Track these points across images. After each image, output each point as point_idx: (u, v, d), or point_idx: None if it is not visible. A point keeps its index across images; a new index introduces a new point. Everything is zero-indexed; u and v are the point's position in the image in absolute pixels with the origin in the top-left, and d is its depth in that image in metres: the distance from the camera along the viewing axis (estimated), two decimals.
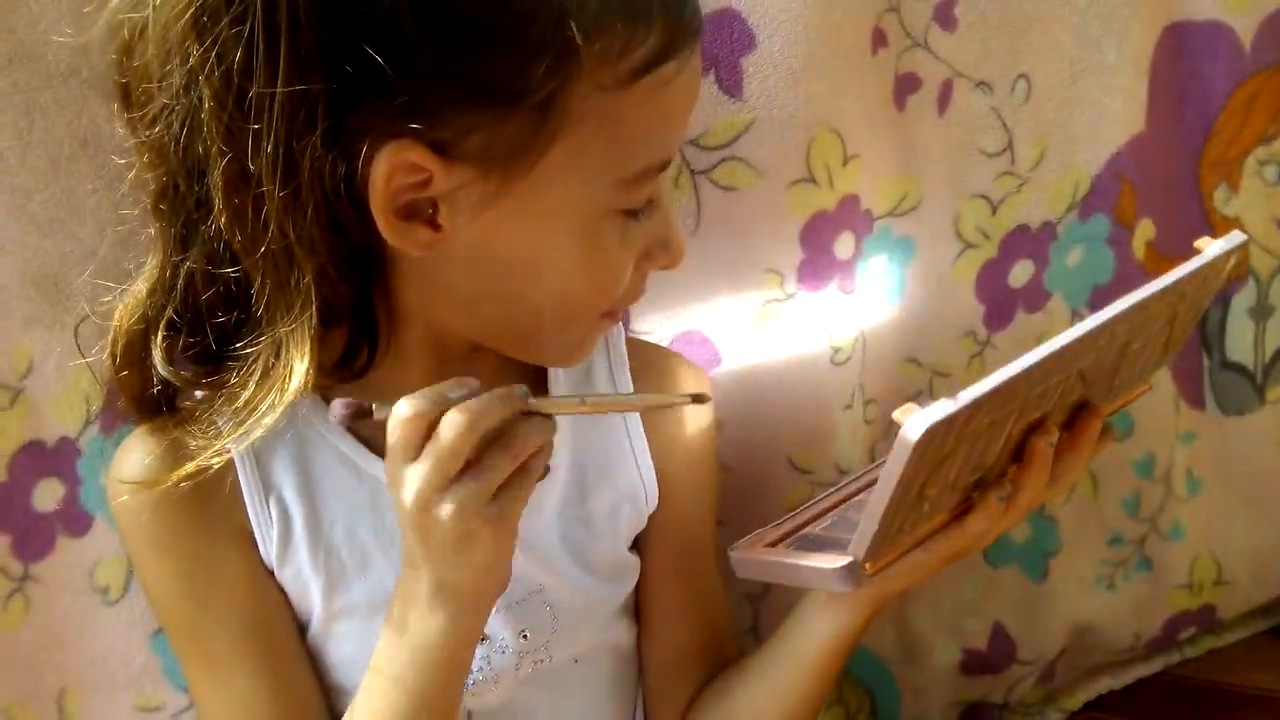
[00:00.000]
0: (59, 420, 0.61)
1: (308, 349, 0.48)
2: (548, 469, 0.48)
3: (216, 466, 0.51)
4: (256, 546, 0.56)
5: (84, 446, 0.62)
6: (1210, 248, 0.56)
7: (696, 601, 0.65)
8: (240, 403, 0.49)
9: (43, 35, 0.56)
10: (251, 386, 0.49)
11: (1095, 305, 0.80)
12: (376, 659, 0.52)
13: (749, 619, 0.78)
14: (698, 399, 0.54)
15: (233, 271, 0.49)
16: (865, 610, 0.58)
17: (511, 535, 0.48)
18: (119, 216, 0.56)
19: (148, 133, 0.48)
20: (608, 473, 0.61)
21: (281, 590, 0.57)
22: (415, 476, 0.45)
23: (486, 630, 0.56)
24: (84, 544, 0.63)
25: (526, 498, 0.47)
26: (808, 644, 0.59)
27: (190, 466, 0.51)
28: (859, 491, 0.64)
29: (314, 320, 0.48)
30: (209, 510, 0.54)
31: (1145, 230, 0.80)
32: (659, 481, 0.62)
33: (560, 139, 0.47)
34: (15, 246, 0.58)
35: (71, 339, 0.58)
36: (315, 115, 0.44)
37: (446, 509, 0.45)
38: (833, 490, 0.65)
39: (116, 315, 0.53)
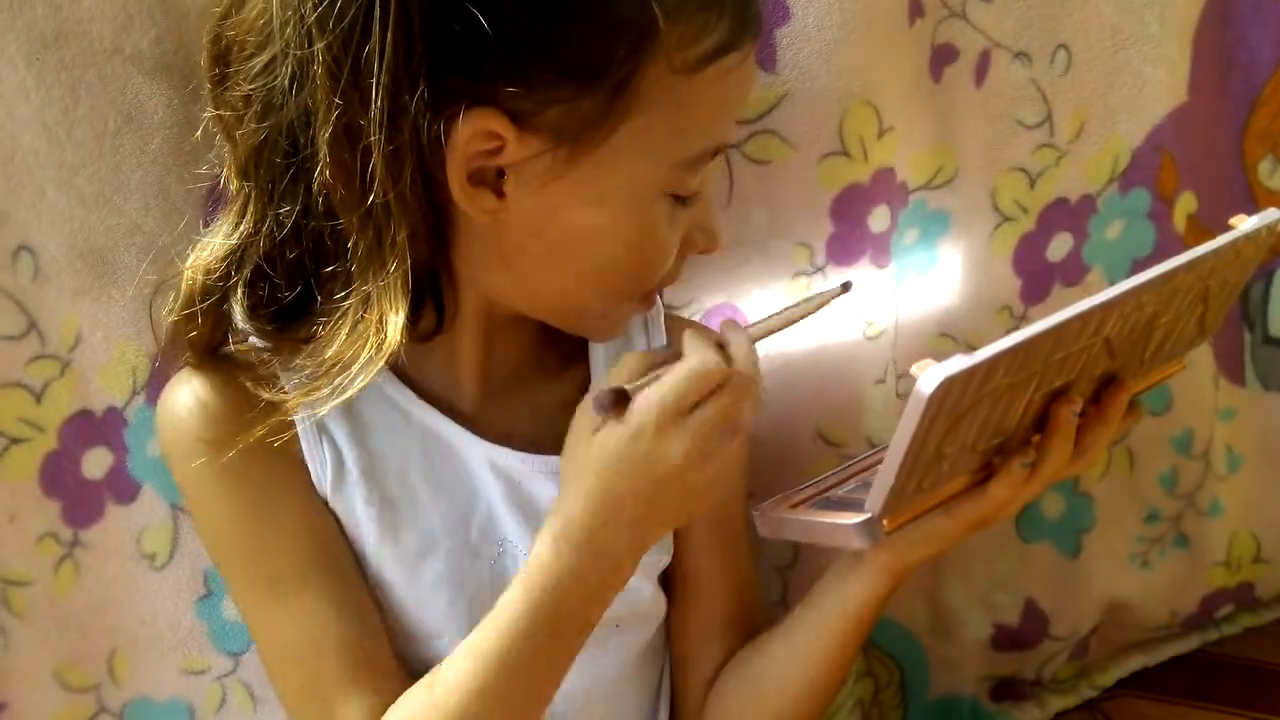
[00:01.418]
0: (107, 391, 0.63)
1: (401, 304, 0.49)
2: None
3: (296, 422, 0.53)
4: (312, 479, 0.57)
5: (131, 417, 0.63)
6: (1244, 224, 0.55)
7: (726, 573, 0.66)
8: (328, 355, 0.50)
9: (86, 13, 0.57)
10: (339, 341, 0.50)
11: None
12: (526, 582, 0.51)
13: (778, 590, 0.79)
14: (845, 287, 0.56)
15: (329, 226, 0.50)
16: (888, 578, 0.58)
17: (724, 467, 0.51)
18: (162, 190, 0.57)
19: (250, 87, 0.49)
20: None
21: (337, 522, 0.57)
22: (686, 433, 0.47)
23: None
24: (131, 511, 0.65)
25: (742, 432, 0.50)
26: (831, 612, 0.59)
27: (273, 419, 0.52)
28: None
29: (408, 277, 0.49)
30: (264, 443, 0.54)
31: (1187, 203, 0.79)
32: None
33: (630, 119, 0.48)
34: (63, 220, 0.59)
35: (118, 311, 0.60)
36: (418, 75, 0.46)
37: (710, 468, 0.48)
38: (857, 460, 0.65)
39: (190, 268, 0.53)
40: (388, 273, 0.49)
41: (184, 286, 0.54)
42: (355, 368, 0.50)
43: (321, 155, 0.48)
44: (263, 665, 0.59)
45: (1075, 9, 0.72)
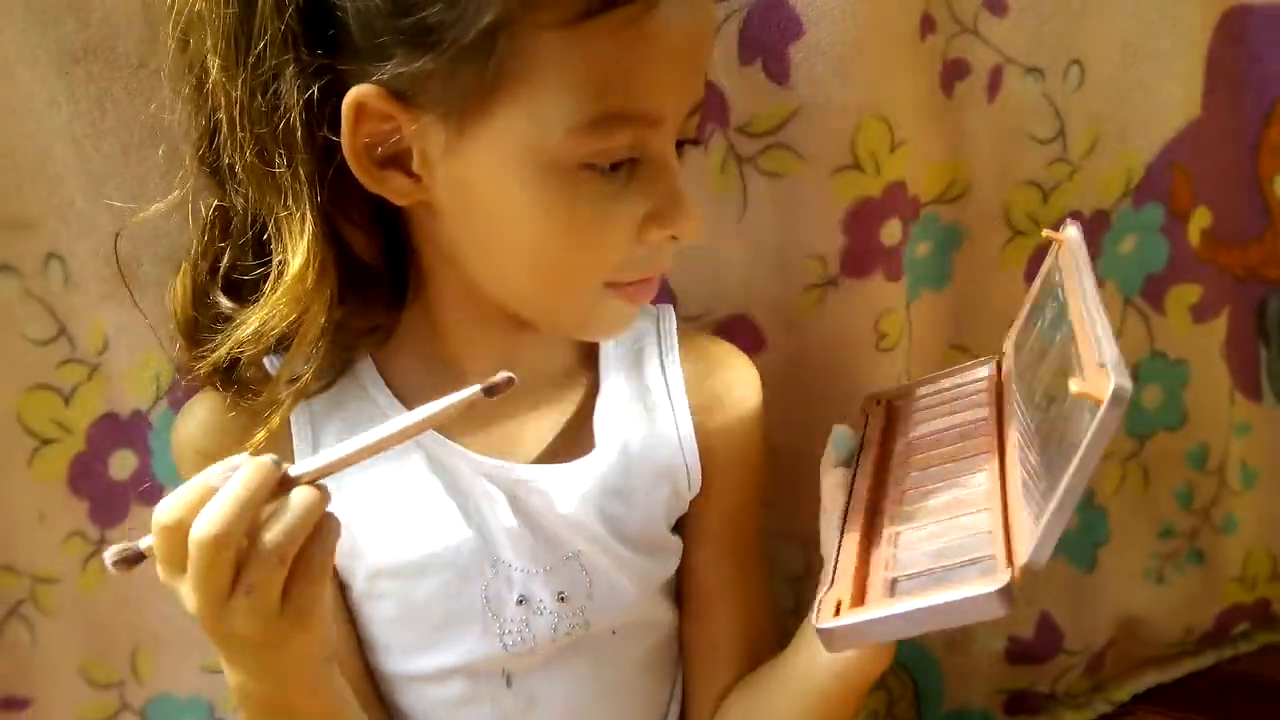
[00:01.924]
0: (132, 395, 0.65)
1: (305, 257, 0.49)
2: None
3: (276, 423, 0.54)
4: None
5: (155, 421, 0.65)
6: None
7: (736, 589, 0.65)
8: (260, 318, 0.51)
9: (113, 29, 0.59)
10: (267, 305, 0.51)
11: (1148, 293, 0.80)
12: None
13: (791, 600, 0.79)
14: (489, 390, 0.44)
15: (254, 208, 0.52)
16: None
17: (319, 620, 0.45)
18: (183, 199, 0.59)
19: (185, 87, 0.53)
20: (650, 454, 0.61)
21: None
22: (189, 598, 0.42)
23: (525, 592, 0.58)
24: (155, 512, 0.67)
25: (324, 581, 0.44)
26: (823, 679, 0.57)
27: (259, 435, 0.53)
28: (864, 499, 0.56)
29: (315, 243, 0.49)
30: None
31: (1201, 218, 0.79)
32: (703, 466, 0.62)
33: (508, 81, 0.47)
34: (91, 228, 0.61)
35: (142, 318, 0.61)
36: (292, 54, 0.48)
37: (238, 625, 0.42)
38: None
39: (182, 269, 0.56)
40: (294, 237, 0.49)
41: (172, 300, 0.55)
42: (263, 320, 0.50)
43: (223, 138, 0.50)
44: None
45: (1088, 25, 0.73)
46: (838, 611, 0.46)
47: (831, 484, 0.58)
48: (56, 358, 0.63)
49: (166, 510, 0.42)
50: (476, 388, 0.44)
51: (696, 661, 0.65)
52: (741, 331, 0.72)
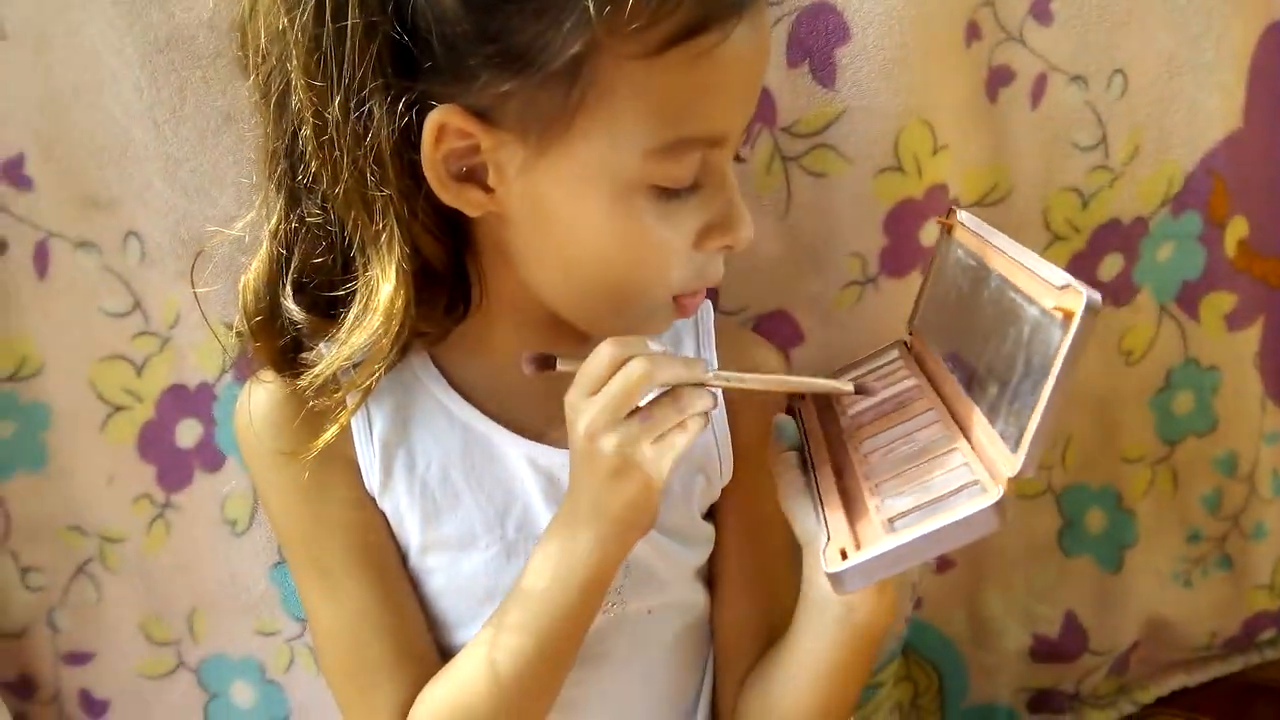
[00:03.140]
0: (200, 367, 0.68)
1: (401, 285, 0.51)
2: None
3: (342, 420, 0.56)
4: (362, 477, 0.60)
5: (219, 393, 0.68)
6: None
7: (761, 575, 0.66)
8: (341, 336, 0.53)
9: (195, 19, 0.62)
10: (349, 324, 0.53)
11: (1183, 300, 0.80)
12: (523, 577, 0.55)
13: None
14: (861, 389, 0.57)
15: (336, 224, 0.53)
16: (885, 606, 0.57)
17: (660, 480, 0.52)
18: (254, 187, 0.62)
19: (259, 98, 0.53)
20: None
21: (384, 518, 0.61)
22: (591, 407, 0.51)
23: None
24: (217, 479, 0.70)
25: (680, 451, 0.52)
26: (823, 647, 0.59)
27: (329, 434, 0.56)
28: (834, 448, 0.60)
29: (406, 262, 0.51)
30: (320, 437, 0.58)
31: (1238, 228, 0.80)
32: (735, 457, 0.64)
33: (589, 106, 0.48)
34: (168, 209, 0.64)
35: (212, 295, 0.64)
36: (381, 78, 0.48)
37: (610, 441, 0.51)
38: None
39: (249, 267, 0.57)
40: (384, 258, 0.51)
41: (241, 303, 0.57)
42: (363, 343, 0.52)
43: (308, 155, 0.51)
44: (313, 644, 0.62)
45: (1132, 35, 0.73)
46: (844, 557, 0.49)
47: (786, 466, 0.60)
48: (131, 330, 0.66)
49: (610, 346, 0.51)
50: (849, 384, 0.57)
51: (724, 646, 0.67)
52: (780, 326, 0.74)
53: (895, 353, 0.67)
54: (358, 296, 0.53)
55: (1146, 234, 0.78)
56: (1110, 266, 0.79)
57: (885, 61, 0.68)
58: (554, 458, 0.60)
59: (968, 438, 0.52)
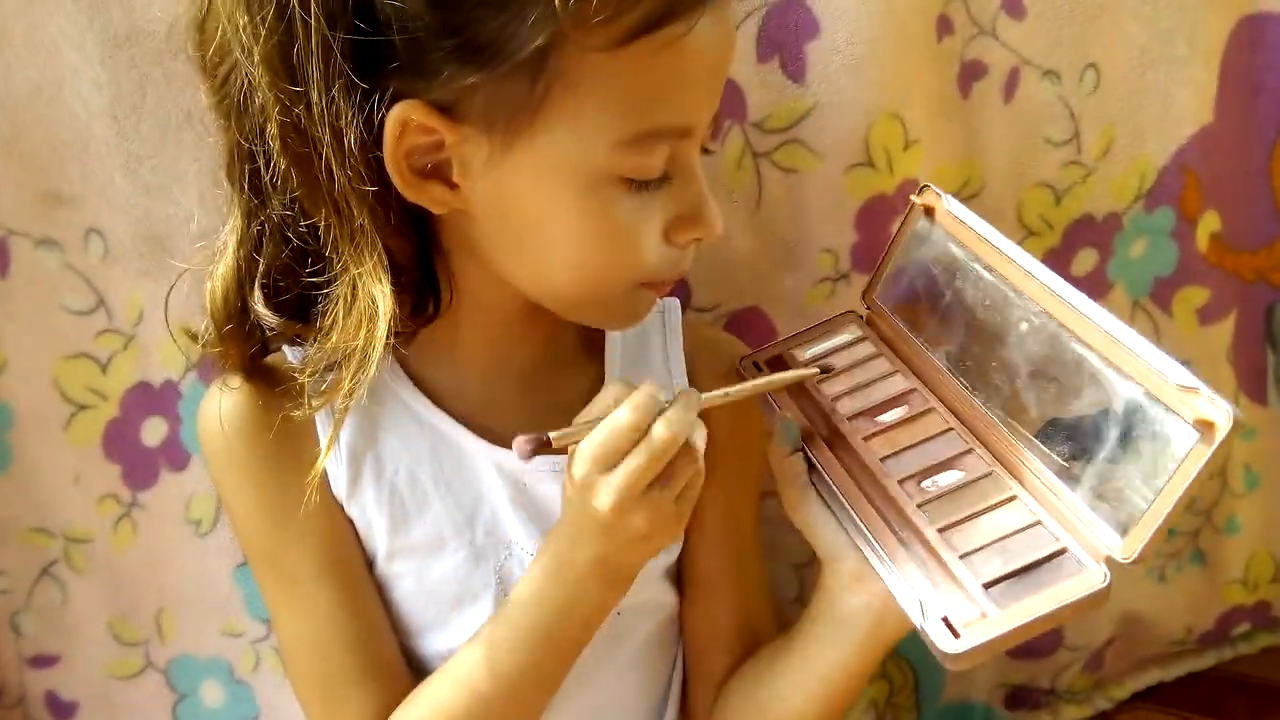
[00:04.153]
0: (164, 365, 0.68)
1: (385, 283, 0.50)
2: None
3: (312, 412, 0.55)
4: (329, 483, 0.60)
5: (184, 390, 0.68)
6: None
7: (734, 576, 0.66)
8: (331, 344, 0.52)
9: (156, 15, 0.61)
10: (338, 330, 0.52)
11: (1156, 295, 0.80)
12: (508, 611, 0.55)
13: (795, 588, 0.80)
14: (825, 369, 0.58)
15: (305, 224, 0.52)
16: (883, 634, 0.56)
17: (683, 528, 0.54)
18: (216, 184, 0.61)
19: (218, 98, 0.52)
20: None
21: (350, 525, 0.60)
22: (614, 486, 0.49)
23: None
24: (182, 479, 0.69)
25: (697, 494, 0.52)
26: (844, 658, 0.58)
27: (301, 413, 0.54)
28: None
29: (384, 259, 0.51)
30: (287, 445, 0.58)
31: (1209, 222, 0.80)
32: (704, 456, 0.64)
33: (555, 98, 0.48)
34: (130, 206, 0.64)
35: (175, 293, 0.62)
36: (345, 76, 0.47)
37: (641, 517, 0.50)
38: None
39: (214, 272, 0.56)
40: (363, 257, 0.51)
41: (209, 309, 0.56)
42: (360, 353, 0.51)
43: (275, 154, 0.50)
44: (279, 653, 0.62)
45: (1105, 29, 0.73)
46: (950, 628, 0.48)
47: (793, 475, 0.59)
48: (94, 328, 0.66)
49: (629, 414, 0.49)
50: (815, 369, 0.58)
51: (695, 646, 0.67)
52: (753, 323, 0.74)
53: (854, 328, 0.65)
54: (338, 298, 0.52)
55: (1120, 229, 0.78)
56: (1084, 262, 0.79)
57: (856, 56, 0.67)
58: (518, 462, 0.58)
59: (1020, 481, 0.52)
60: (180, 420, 0.68)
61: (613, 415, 0.49)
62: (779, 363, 0.64)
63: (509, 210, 0.52)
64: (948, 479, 0.54)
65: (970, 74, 0.73)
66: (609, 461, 0.49)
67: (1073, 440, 0.51)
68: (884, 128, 0.69)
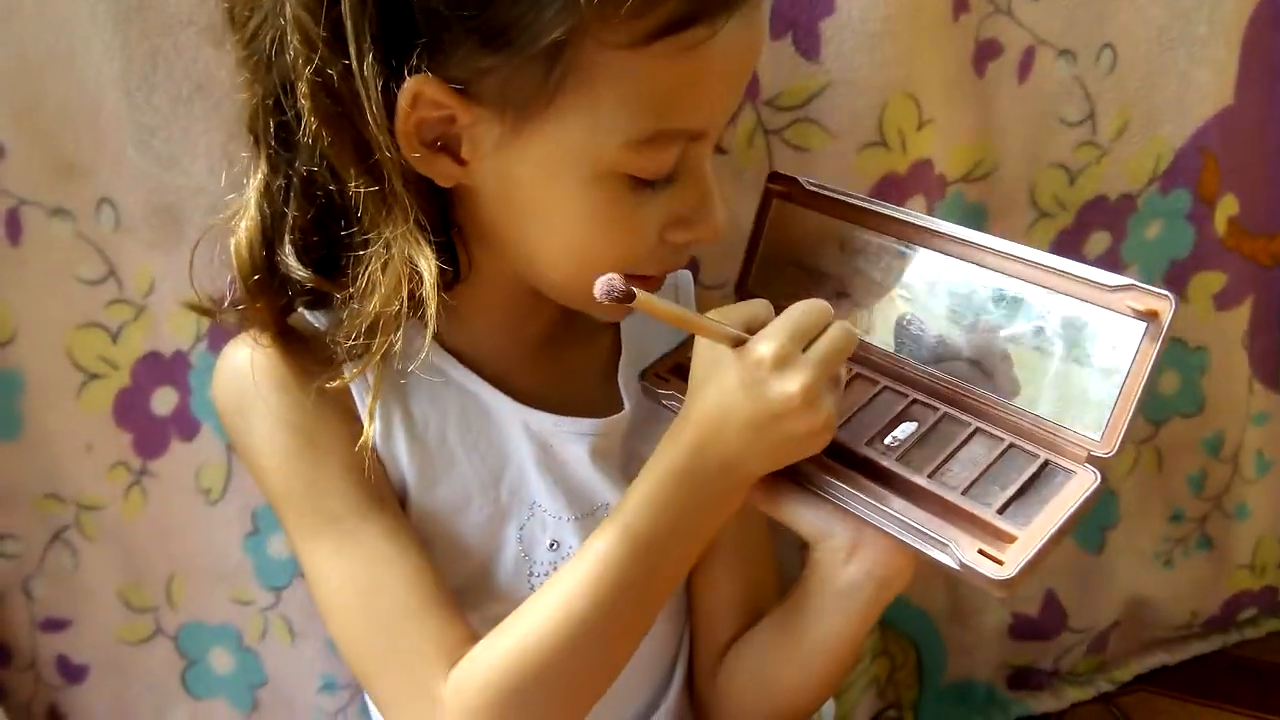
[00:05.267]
0: (175, 335, 0.68)
1: (425, 244, 0.50)
2: None
3: (354, 374, 0.54)
4: (362, 431, 0.57)
5: (195, 361, 0.68)
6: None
7: (739, 548, 0.66)
8: (373, 306, 0.51)
9: None
10: (379, 292, 0.51)
11: (1171, 279, 0.80)
12: (618, 519, 0.52)
13: (798, 566, 0.80)
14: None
15: (334, 184, 0.52)
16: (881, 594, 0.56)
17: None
18: (227, 155, 0.61)
19: (246, 51, 0.52)
20: (664, 415, 0.63)
21: (383, 466, 0.59)
22: (812, 360, 0.49)
23: (556, 537, 0.60)
24: (193, 448, 0.70)
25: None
26: (848, 627, 0.58)
27: (328, 377, 0.54)
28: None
29: (420, 222, 0.50)
30: (324, 393, 0.56)
31: (1228, 205, 0.79)
32: None
33: (570, 90, 0.48)
34: (141, 178, 0.64)
35: (185, 264, 0.62)
36: (372, 40, 0.47)
37: (829, 402, 0.50)
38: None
39: (238, 226, 0.55)
40: (397, 220, 0.51)
41: (235, 263, 0.55)
42: (401, 316, 0.51)
43: (305, 113, 0.49)
44: (321, 613, 0.58)
45: (1122, 8, 0.73)
46: (991, 559, 0.48)
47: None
48: (106, 297, 0.66)
49: (820, 302, 0.51)
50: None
51: (701, 614, 0.67)
52: None
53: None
54: (370, 258, 0.51)
55: (1135, 211, 0.78)
56: (1097, 244, 0.78)
57: (870, 34, 0.67)
58: (545, 423, 0.60)
59: (977, 415, 0.53)
60: (190, 390, 0.69)
61: (804, 301, 0.50)
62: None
63: (512, 193, 0.52)
64: (905, 431, 0.54)
65: (985, 53, 0.72)
66: (808, 336, 0.49)
67: (1016, 365, 0.52)
68: (898, 107, 0.69)
